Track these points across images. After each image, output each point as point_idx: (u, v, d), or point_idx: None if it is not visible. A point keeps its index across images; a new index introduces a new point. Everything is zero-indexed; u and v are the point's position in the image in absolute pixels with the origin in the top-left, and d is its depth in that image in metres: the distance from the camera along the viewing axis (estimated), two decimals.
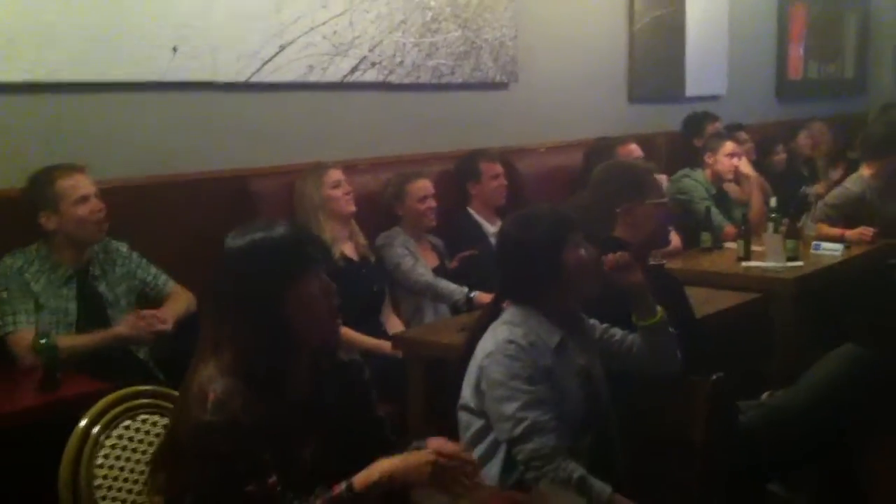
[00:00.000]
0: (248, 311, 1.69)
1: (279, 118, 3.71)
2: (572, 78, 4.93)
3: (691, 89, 5.76)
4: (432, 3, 4.19)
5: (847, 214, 4.40)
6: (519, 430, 2.13)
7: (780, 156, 5.67)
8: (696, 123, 5.34)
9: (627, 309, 2.48)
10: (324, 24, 3.79)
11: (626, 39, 5.29)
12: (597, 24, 5.11)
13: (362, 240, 3.62)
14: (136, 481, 1.89)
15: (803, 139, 5.92)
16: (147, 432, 1.94)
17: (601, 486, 2.11)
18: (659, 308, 2.45)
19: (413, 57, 4.13)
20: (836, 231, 4.32)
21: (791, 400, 2.86)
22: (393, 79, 4.06)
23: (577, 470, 2.11)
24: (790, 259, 3.91)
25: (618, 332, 2.54)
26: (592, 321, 2.51)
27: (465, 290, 3.57)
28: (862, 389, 2.85)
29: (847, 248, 4.15)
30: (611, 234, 2.97)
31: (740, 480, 2.65)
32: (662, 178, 4.51)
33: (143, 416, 1.95)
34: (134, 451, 1.91)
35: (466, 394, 2.27)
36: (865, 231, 4.30)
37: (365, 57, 3.94)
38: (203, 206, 3.31)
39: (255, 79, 3.57)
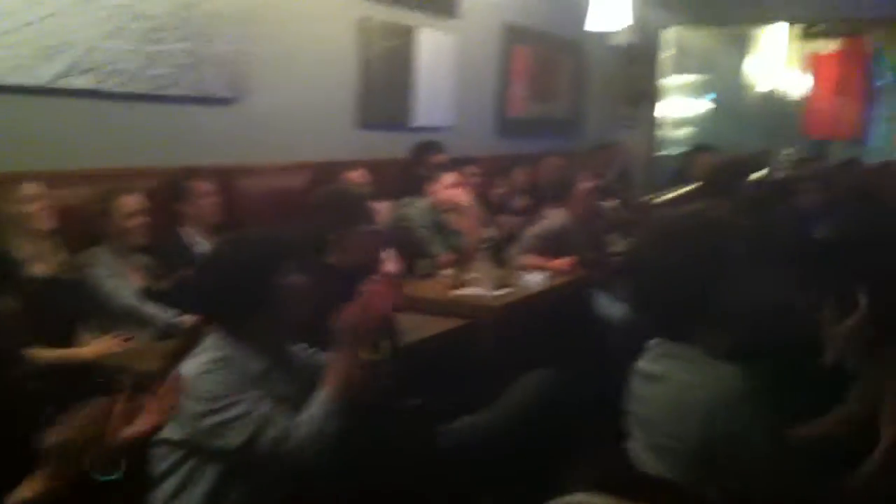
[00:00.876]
0: None
1: None
2: (302, 99, 4.92)
3: (419, 119, 5.94)
4: (155, 12, 4.02)
5: (550, 245, 4.73)
6: (251, 428, 2.12)
7: (500, 189, 5.98)
8: (421, 152, 5.50)
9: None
10: (31, 23, 3.52)
11: (357, 66, 5.36)
12: (329, 49, 5.14)
13: (62, 258, 3.38)
14: None
15: (518, 174, 6.28)
16: None
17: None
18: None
19: (130, 65, 3.93)
20: (540, 261, 4.62)
21: (491, 422, 3.00)
22: (107, 87, 3.85)
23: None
24: (500, 287, 4.12)
25: (322, 356, 2.55)
26: (300, 346, 2.50)
27: (173, 314, 3.44)
28: (556, 411, 3.05)
29: (551, 277, 4.44)
30: (325, 260, 2.98)
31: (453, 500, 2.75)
32: (384, 205, 4.62)
33: None
34: None
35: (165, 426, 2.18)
36: (567, 262, 4.63)
37: (76, 62, 3.70)
38: None
39: None
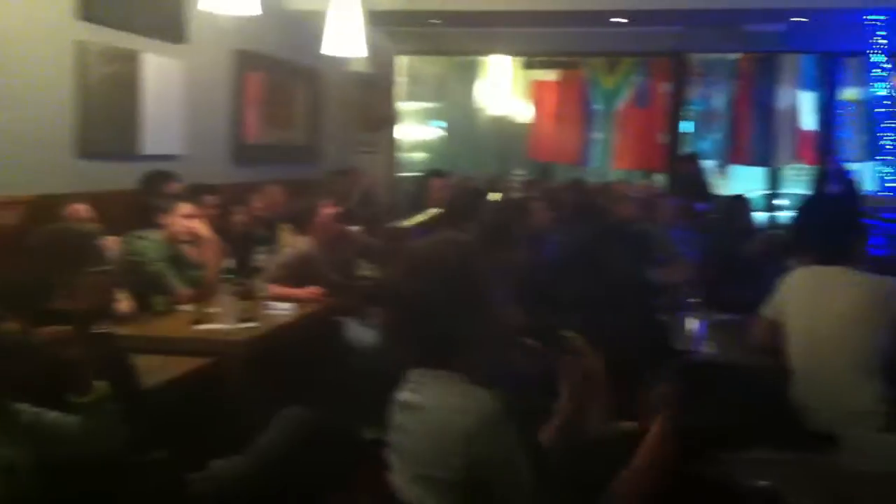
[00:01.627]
0: None
1: None
2: (12, 128, 4.48)
3: (148, 147, 5.62)
4: None
5: (295, 274, 4.62)
6: None
7: (240, 217, 5.78)
8: (152, 182, 5.20)
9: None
10: None
11: (75, 92, 4.96)
12: (41, 74, 4.72)
13: None
14: None
15: (258, 201, 6.11)
16: None
17: None
18: (99, 384, 2.28)
19: None
20: (286, 291, 4.50)
21: (243, 466, 2.84)
22: None
23: None
24: (244, 320, 3.95)
25: (51, 415, 2.30)
26: (21, 406, 2.23)
27: None
28: (309, 450, 2.94)
29: (298, 307, 4.32)
30: (50, 305, 2.71)
31: None
32: (112, 241, 4.30)
33: None
34: None
35: None
36: (314, 290, 4.54)
37: None
38: None
39: None
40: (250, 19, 4.99)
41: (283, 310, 4.23)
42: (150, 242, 4.47)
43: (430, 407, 1.88)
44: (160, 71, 5.72)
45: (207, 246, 4.57)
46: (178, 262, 4.50)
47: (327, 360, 4.22)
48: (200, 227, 4.57)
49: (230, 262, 4.43)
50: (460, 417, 1.80)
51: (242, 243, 5.43)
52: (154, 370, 3.11)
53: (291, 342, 4.05)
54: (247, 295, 4.06)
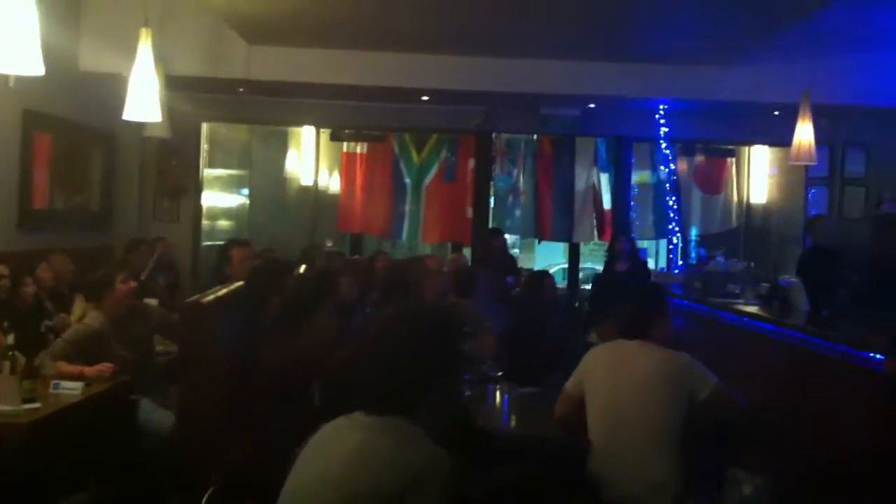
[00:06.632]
0: None
1: None
2: None
3: None
4: None
5: (85, 350, 4.32)
6: None
7: (29, 288, 5.33)
8: None
9: None
10: None
11: None
12: None
13: None
14: None
15: (44, 271, 5.69)
16: None
17: None
18: None
19: None
20: (75, 368, 4.20)
21: None
22: None
23: None
24: (27, 401, 3.65)
25: None
26: None
27: None
28: None
29: (87, 385, 4.04)
30: None
31: None
32: None
33: None
34: None
35: None
36: (104, 367, 4.25)
37: None
38: None
39: None
40: (40, 80, 4.67)
41: (70, 389, 3.93)
42: None
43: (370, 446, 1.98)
44: None
45: None
46: None
47: (118, 443, 3.95)
48: None
49: (11, 338, 4.08)
50: (407, 461, 1.94)
51: (26, 316, 5.03)
52: None
53: (79, 424, 3.77)
54: (30, 373, 3.74)
